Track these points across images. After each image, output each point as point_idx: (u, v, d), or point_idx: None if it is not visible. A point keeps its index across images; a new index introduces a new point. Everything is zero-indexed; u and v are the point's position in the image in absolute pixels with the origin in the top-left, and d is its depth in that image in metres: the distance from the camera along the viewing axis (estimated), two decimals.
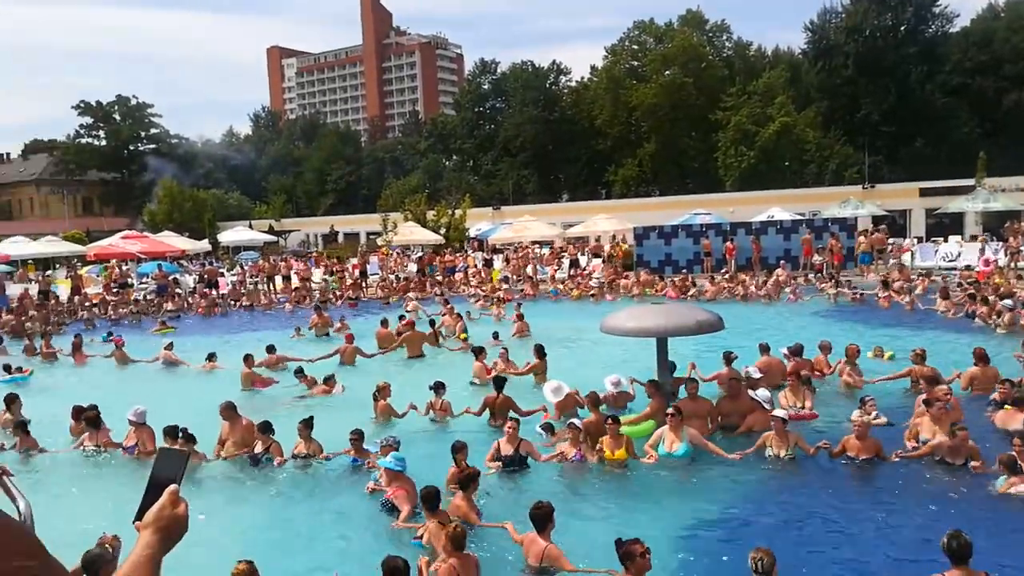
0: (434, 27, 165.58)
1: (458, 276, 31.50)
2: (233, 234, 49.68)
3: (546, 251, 37.33)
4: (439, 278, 31.04)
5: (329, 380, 13.50)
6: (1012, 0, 60.18)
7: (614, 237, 37.67)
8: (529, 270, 31.79)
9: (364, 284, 30.59)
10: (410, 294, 27.12)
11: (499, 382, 11.30)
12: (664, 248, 30.33)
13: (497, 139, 75.48)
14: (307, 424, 9.69)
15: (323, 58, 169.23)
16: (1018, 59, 54.79)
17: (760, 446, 9.00)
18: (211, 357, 15.64)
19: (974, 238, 33.41)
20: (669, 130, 63.82)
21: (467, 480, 7.54)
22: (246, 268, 33.27)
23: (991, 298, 17.73)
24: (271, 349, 15.94)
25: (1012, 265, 25.40)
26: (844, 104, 58.22)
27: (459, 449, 8.31)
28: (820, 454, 8.87)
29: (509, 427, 9.20)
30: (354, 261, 34.51)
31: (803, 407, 10.68)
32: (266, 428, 9.73)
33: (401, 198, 46.06)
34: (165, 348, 17.07)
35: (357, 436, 9.39)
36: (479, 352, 14.07)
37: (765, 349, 12.63)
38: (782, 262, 27.41)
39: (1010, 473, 7.60)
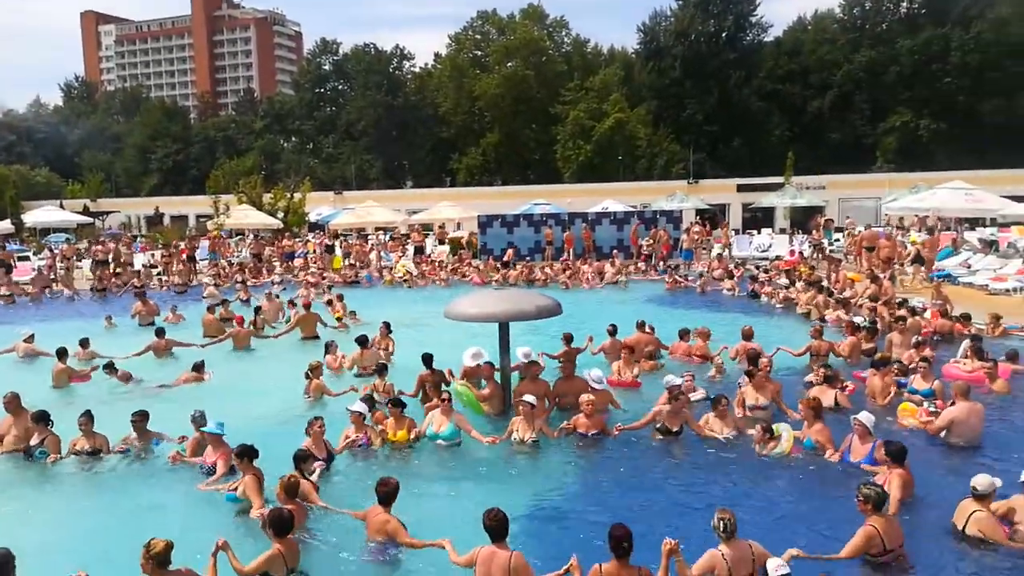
0: (271, 2, 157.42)
1: (297, 262, 30.51)
2: (42, 214, 44.96)
3: (389, 237, 36.99)
4: (276, 264, 29.95)
5: (199, 368, 12.90)
6: (818, 14, 66.46)
7: (459, 226, 38.01)
8: (373, 256, 31.37)
9: (194, 269, 28.94)
10: (206, 279, 26.37)
11: (428, 358, 11.32)
12: (507, 236, 30.94)
13: (339, 122, 73.64)
14: (89, 417, 9.21)
15: (146, 27, 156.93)
16: (822, 69, 60.60)
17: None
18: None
19: (783, 231, 36.78)
20: (511, 121, 65.10)
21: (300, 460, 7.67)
22: (55, 251, 30.34)
23: (799, 283, 19.80)
24: (84, 343, 14.67)
25: (815, 255, 28.17)
26: (672, 104, 61.97)
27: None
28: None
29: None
30: (182, 245, 32.51)
31: (630, 376, 11.88)
32: (40, 418, 9.17)
33: (235, 179, 43.65)
34: (24, 340, 15.33)
35: (140, 418, 9.31)
36: (363, 342, 13.51)
37: (613, 332, 13.60)
38: (615, 251, 28.79)
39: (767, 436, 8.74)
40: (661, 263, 27.95)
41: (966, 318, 14.88)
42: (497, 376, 10.85)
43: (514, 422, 9.53)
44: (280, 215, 39.24)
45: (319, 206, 47.48)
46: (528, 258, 29.92)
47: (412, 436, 9.37)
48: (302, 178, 47.97)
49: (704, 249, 29.73)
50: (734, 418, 9.55)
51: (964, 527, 6.57)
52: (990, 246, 25.26)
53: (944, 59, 55.66)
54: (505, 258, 28.86)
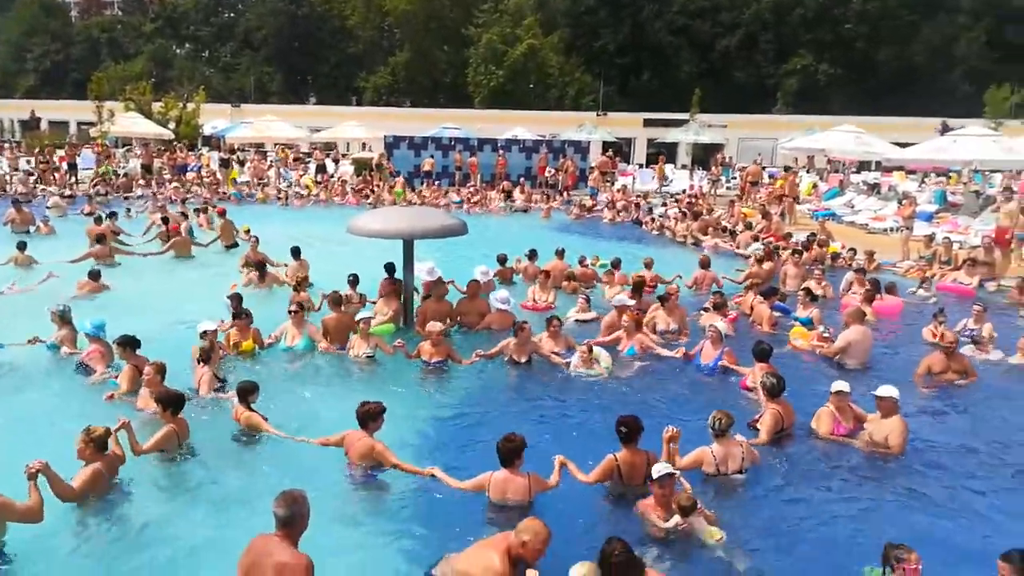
0: None
1: (190, 176, 29.02)
2: None
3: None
4: (168, 177, 28.40)
5: (94, 275, 12.33)
6: None
7: (364, 146, 36.91)
8: (272, 174, 30.24)
9: (75, 179, 27.12)
10: (51, 188, 25.10)
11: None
12: (414, 159, 30.37)
13: (237, 29, 69.32)
14: None
15: None
16: (732, 7, 61.18)
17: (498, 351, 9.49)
18: None
19: (684, 167, 37.66)
20: (422, 40, 62.95)
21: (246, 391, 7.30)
22: None
23: (672, 212, 21.25)
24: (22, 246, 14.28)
25: (713, 192, 29.09)
26: (585, 33, 61.43)
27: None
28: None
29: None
30: (61, 153, 30.32)
31: (545, 301, 12.13)
32: None
33: (121, 85, 40.60)
34: None
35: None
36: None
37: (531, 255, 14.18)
38: (522, 179, 28.80)
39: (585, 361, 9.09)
40: (566, 193, 28.26)
41: (852, 252, 15.94)
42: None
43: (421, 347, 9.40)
44: (171, 126, 37.01)
45: (214, 119, 44.97)
46: (436, 183, 29.54)
47: (258, 346, 9.44)
48: (196, 87, 45.18)
49: (608, 181, 30.14)
50: (566, 338, 9.71)
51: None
52: (873, 188, 26.74)
53: (846, 4, 57.29)
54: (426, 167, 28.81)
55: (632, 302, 10.65)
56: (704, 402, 8.01)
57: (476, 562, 4.78)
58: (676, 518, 5.41)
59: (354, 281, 11.59)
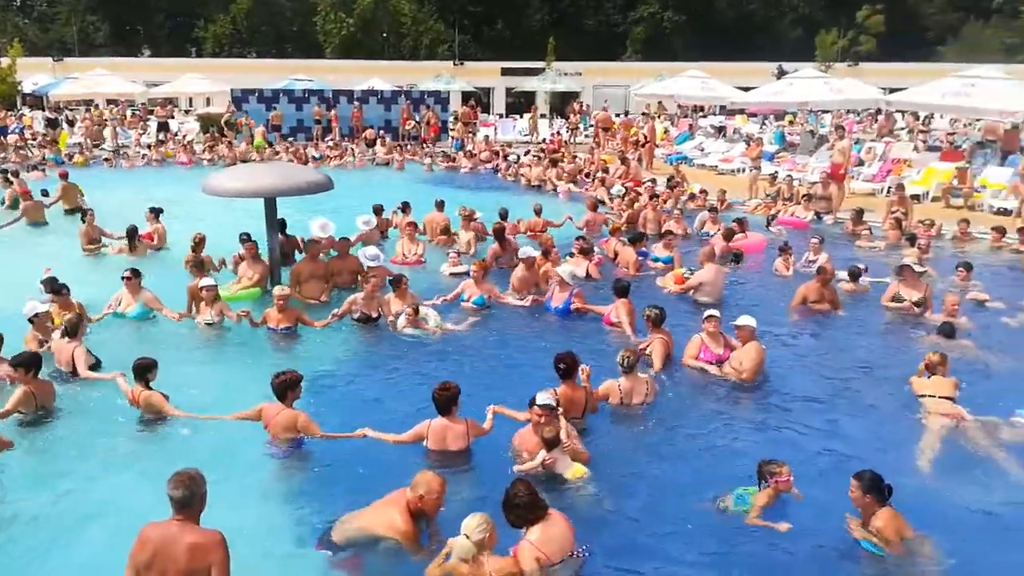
0: None
1: (11, 139, 26.23)
2: None
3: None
4: None
5: None
6: None
7: (208, 101, 34.66)
8: (107, 133, 27.89)
9: None
10: None
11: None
12: (264, 113, 28.88)
13: None
14: None
15: None
16: None
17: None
18: None
19: (543, 116, 38.00)
20: None
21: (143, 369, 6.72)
22: None
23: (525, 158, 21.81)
24: None
25: (572, 139, 29.63)
26: None
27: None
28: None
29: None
30: None
31: (415, 255, 12.20)
32: None
33: None
34: None
35: None
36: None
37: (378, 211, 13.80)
38: (382, 132, 28.13)
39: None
40: (428, 144, 27.94)
41: (704, 193, 16.82)
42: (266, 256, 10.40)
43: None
44: None
45: (34, 74, 40.62)
46: (291, 137, 28.31)
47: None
48: (9, 40, 40.63)
49: (471, 132, 30.01)
50: (413, 295, 9.53)
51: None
52: (719, 131, 28.15)
53: None
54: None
55: (537, 253, 10.69)
56: (561, 341, 8.23)
57: (377, 520, 4.79)
58: (542, 453, 5.58)
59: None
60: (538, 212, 14.18)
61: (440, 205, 14.19)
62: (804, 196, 16.14)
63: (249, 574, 4.42)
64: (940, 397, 6.87)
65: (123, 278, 9.25)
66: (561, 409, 6.02)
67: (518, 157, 23.42)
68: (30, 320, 7.87)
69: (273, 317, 8.78)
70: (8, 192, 16.11)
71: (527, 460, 5.72)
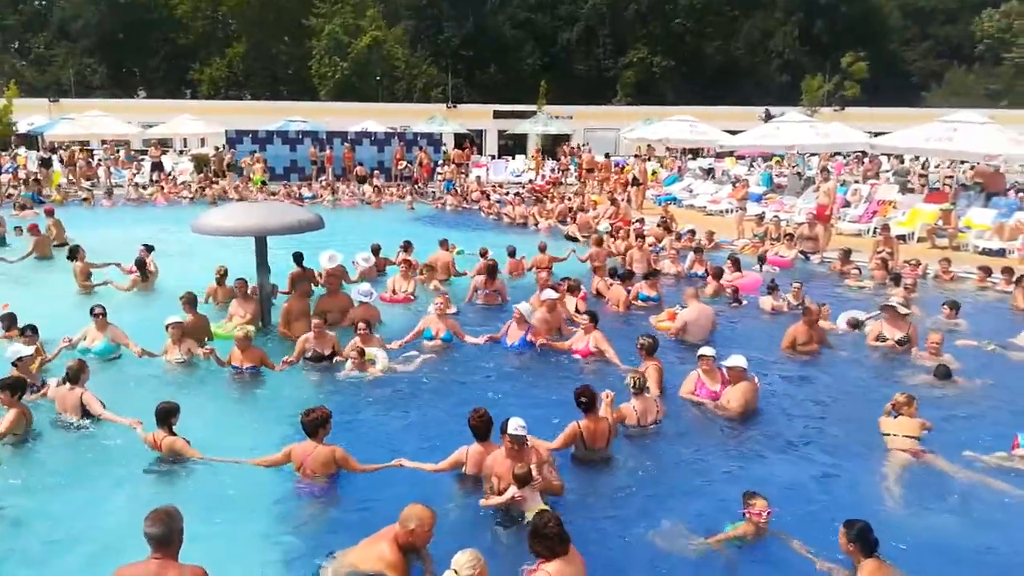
0: None
1: (4, 178, 26.34)
2: None
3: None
4: None
5: None
6: None
7: (203, 142, 34.90)
8: (101, 172, 28.07)
9: None
10: None
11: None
12: (256, 163, 29.10)
13: (51, 18, 63.32)
14: None
15: None
16: (571, 1, 63.04)
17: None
18: None
19: (533, 157, 38.44)
20: (260, 31, 60.30)
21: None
22: None
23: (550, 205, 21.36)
24: None
25: (564, 180, 29.96)
26: (429, 25, 61.31)
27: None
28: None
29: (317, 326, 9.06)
30: None
31: (405, 292, 12.24)
32: None
33: None
34: None
35: None
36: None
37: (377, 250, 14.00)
38: (375, 172, 28.39)
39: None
40: (421, 184, 28.26)
41: (692, 233, 17.01)
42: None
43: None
44: None
45: (31, 114, 40.95)
46: (284, 178, 28.55)
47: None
48: (6, 81, 41.02)
49: (463, 173, 30.33)
50: (379, 339, 9.44)
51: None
52: (708, 173, 28.54)
53: (675, 0, 60.59)
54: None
55: (556, 295, 10.58)
56: (511, 377, 8.62)
57: (367, 555, 4.80)
58: (512, 489, 5.56)
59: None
60: (543, 249, 14.43)
61: (444, 244, 14.30)
62: (787, 235, 16.34)
63: None
64: (904, 436, 6.87)
65: (93, 314, 9.17)
66: (557, 444, 6.28)
67: (500, 198, 23.95)
68: (13, 364, 7.74)
69: (237, 357, 8.75)
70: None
71: (495, 485, 5.74)
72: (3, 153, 31.14)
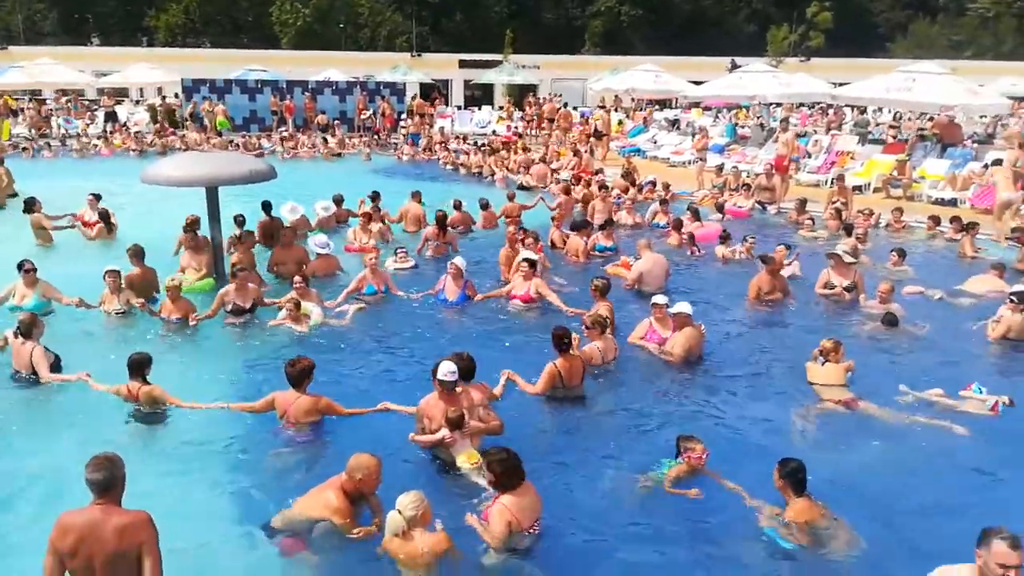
0: None
1: None
2: None
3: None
4: None
5: None
6: None
7: (160, 91, 33.99)
8: (54, 123, 27.25)
9: None
10: None
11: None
12: (217, 104, 28.43)
13: None
14: None
15: None
16: None
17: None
18: None
19: (501, 108, 38.05)
20: None
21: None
22: None
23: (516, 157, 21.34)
24: None
25: (529, 132, 29.74)
26: None
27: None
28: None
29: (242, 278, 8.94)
30: None
31: (367, 242, 12.18)
32: None
33: None
34: None
35: None
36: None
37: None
38: (336, 122, 27.91)
39: None
40: (381, 135, 27.94)
41: (653, 184, 17.10)
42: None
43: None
44: None
45: None
46: (243, 129, 27.96)
47: None
48: None
49: (427, 124, 29.93)
50: (315, 293, 9.35)
51: None
52: (673, 124, 28.52)
53: None
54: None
55: (537, 256, 10.38)
56: (454, 327, 8.90)
57: (315, 502, 4.90)
58: (444, 431, 5.70)
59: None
60: (511, 198, 14.49)
61: (416, 196, 14.19)
62: (744, 186, 16.50)
63: (192, 557, 4.53)
64: (832, 386, 7.07)
65: (23, 270, 8.91)
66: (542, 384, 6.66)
67: (457, 148, 24.03)
68: None
69: (167, 308, 8.74)
70: None
71: (427, 427, 5.86)
72: None
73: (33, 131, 26.29)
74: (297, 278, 9.07)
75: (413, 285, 10.21)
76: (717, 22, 60.61)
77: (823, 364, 7.29)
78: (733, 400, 7.19)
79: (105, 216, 12.81)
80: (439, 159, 23.42)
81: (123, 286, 8.96)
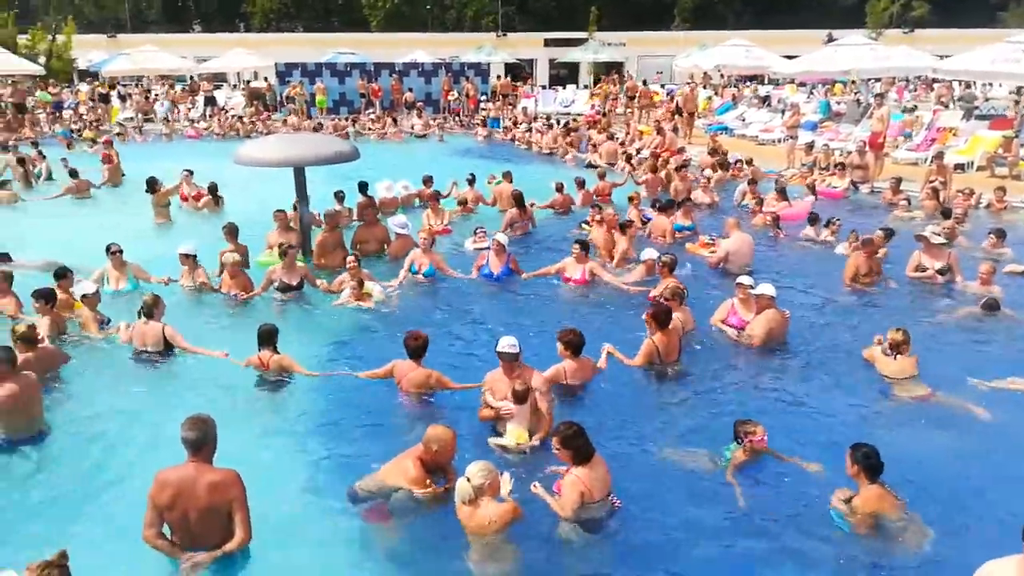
0: None
1: (67, 114, 27.25)
2: None
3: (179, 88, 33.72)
4: (41, 115, 26.60)
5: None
6: None
7: (256, 75, 35.23)
8: (158, 108, 28.72)
9: None
10: None
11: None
12: (308, 87, 29.34)
13: None
14: None
15: None
16: None
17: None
18: None
19: (586, 87, 37.73)
20: None
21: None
22: None
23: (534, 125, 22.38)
24: None
25: (609, 110, 29.41)
26: None
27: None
28: None
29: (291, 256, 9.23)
30: None
31: (441, 224, 12.38)
32: None
33: None
34: None
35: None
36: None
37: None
38: (421, 104, 28.35)
39: None
40: (462, 116, 28.26)
41: (739, 163, 16.71)
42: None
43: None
44: (41, 60, 34.35)
45: (89, 51, 41.89)
46: (333, 112, 28.76)
47: None
48: (64, 17, 41.86)
49: (511, 104, 30.04)
50: (368, 273, 9.46)
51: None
52: (764, 101, 27.61)
53: None
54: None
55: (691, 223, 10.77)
56: (512, 307, 8.99)
57: (393, 471, 5.07)
58: (505, 402, 5.78)
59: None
60: (602, 176, 14.74)
61: (507, 176, 14.31)
62: (837, 165, 15.86)
63: (279, 515, 4.80)
64: (905, 379, 6.73)
65: (110, 252, 9.19)
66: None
67: (530, 126, 24.11)
68: (81, 298, 7.94)
69: (227, 283, 9.10)
70: (44, 165, 16.95)
71: (490, 403, 5.95)
72: (65, 89, 32.00)
73: (139, 115, 27.77)
74: (350, 258, 9.27)
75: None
76: None
77: (895, 358, 6.85)
78: (810, 387, 6.97)
79: (213, 189, 13.71)
80: (513, 138, 23.61)
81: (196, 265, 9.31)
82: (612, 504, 4.90)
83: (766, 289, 7.76)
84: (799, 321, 8.27)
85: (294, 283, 9.15)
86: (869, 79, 27.02)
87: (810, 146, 17.85)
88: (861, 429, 6.06)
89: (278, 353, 6.96)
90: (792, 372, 7.32)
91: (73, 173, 15.55)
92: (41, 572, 3.68)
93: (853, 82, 26.62)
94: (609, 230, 10.91)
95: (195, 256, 9.34)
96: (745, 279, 8.16)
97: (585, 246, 9.75)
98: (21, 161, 16.34)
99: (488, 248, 11.13)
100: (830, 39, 35.96)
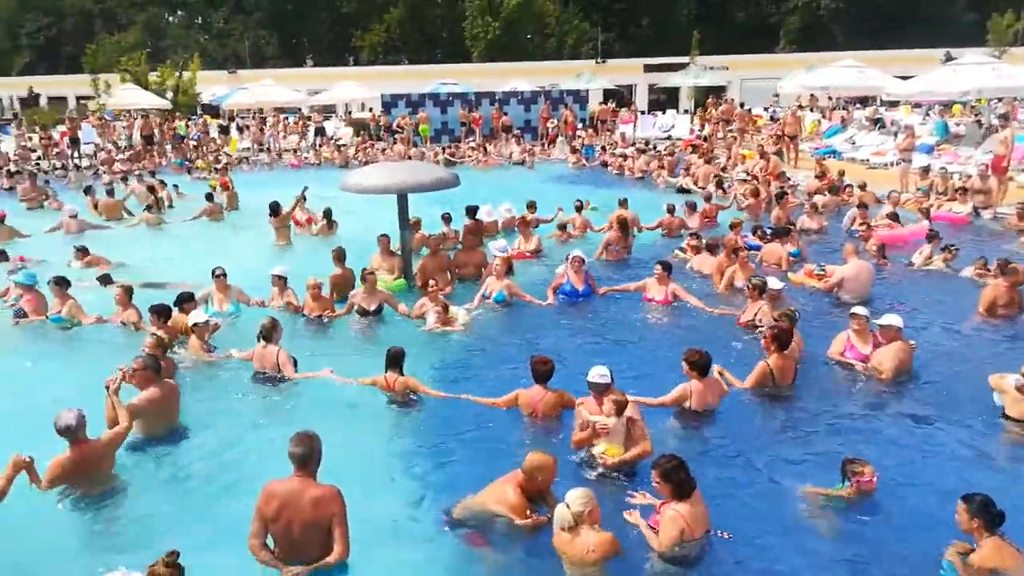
0: None
1: (190, 143, 29.10)
2: None
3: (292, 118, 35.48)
4: (169, 147, 28.50)
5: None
6: None
7: (363, 106, 36.58)
8: (270, 139, 30.26)
9: (77, 153, 27.23)
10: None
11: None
12: (412, 117, 30.25)
13: None
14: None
15: None
16: None
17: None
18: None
19: (686, 111, 37.28)
20: None
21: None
22: None
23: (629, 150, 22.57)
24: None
25: (711, 135, 28.83)
26: None
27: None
28: None
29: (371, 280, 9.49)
30: (62, 128, 30.36)
31: (529, 249, 12.45)
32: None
33: (116, 57, 40.44)
34: None
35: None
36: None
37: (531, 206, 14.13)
38: (518, 132, 28.67)
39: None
40: (556, 143, 28.40)
41: (849, 188, 16.07)
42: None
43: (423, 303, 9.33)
44: (169, 95, 36.92)
45: (212, 86, 44.72)
46: (435, 140, 29.53)
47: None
48: (191, 55, 44.90)
49: (609, 130, 30.00)
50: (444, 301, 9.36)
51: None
52: (875, 124, 26.47)
53: None
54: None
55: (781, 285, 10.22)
56: (598, 329, 9.05)
57: (491, 496, 5.05)
58: (600, 417, 5.66)
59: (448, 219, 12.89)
60: (708, 199, 14.70)
61: (624, 203, 14.08)
62: (958, 190, 14.97)
63: (379, 532, 4.91)
64: None
65: (215, 276, 9.56)
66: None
67: (623, 151, 23.99)
68: (192, 327, 8.11)
69: (309, 306, 9.39)
70: (165, 193, 18.11)
71: (585, 415, 5.85)
72: (189, 121, 34.21)
73: (255, 146, 29.35)
74: (432, 281, 9.39)
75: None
76: (930, 11, 55.29)
77: None
78: (931, 427, 6.52)
79: (328, 214, 14.30)
80: (603, 162, 23.61)
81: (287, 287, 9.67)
82: (720, 536, 4.74)
83: (893, 320, 7.37)
84: (923, 353, 7.78)
85: (371, 308, 9.36)
86: (991, 99, 25.43)
87: (926, 170, 16.94)
88: (983, 474, 5.61)
89: (403, 375, 7.06)
90: (912, 407, 6.88)
91: (209, 197, 16.62)
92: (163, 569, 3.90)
93: (976, 103, 25.15)
94: (728, 253, 10.63)
95: (286, 279, 9.71)
96: (860, 309, 7.78)
97: (668, 267, 9.69)
98: (152, 189, 17.53)
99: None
100: (948, 58, 34.14)
